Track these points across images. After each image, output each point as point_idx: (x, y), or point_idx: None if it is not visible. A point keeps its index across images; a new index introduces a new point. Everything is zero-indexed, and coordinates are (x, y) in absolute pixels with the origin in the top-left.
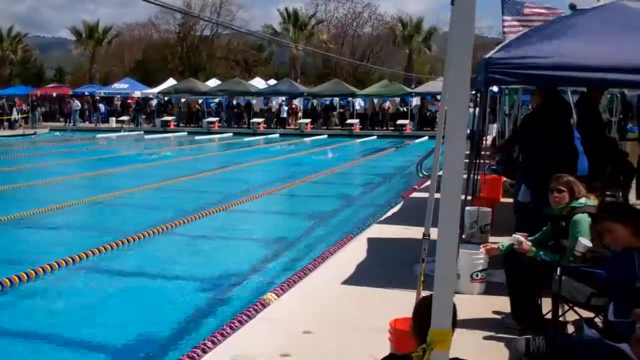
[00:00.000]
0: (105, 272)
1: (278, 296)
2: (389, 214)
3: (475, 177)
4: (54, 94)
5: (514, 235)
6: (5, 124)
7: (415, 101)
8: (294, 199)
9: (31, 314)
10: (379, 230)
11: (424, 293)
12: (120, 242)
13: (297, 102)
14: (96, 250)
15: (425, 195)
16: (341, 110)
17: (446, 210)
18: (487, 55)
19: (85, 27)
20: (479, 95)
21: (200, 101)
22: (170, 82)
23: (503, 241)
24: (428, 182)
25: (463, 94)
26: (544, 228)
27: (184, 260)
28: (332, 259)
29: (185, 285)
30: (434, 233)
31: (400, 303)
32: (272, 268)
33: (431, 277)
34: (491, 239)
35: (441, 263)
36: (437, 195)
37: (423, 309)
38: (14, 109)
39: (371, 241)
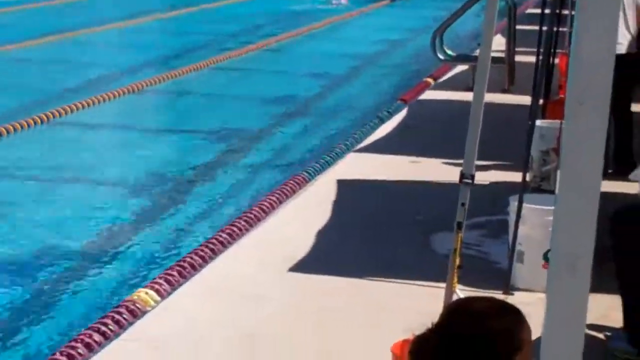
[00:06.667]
0: None
1: (157, 299)
2: (378, 133)
3: (553, 59)
4: None
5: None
6: None
7: None
8: (186, 91)
9: None
10: (358, 165)
11: (460, 291)
12: None
13: None
14: None
15: (451, 96)
16: None
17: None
18: None
19: None
20: None
21: None
22: None
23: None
24: (457, 70)
25: None
26: None
27: None
28: (267, 223)
29: None
30: (480, 175)
31: (408, 309)
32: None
33: (472, 259)
34: None
35: (562, 244)
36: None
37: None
38: None
39: (344, 187)
